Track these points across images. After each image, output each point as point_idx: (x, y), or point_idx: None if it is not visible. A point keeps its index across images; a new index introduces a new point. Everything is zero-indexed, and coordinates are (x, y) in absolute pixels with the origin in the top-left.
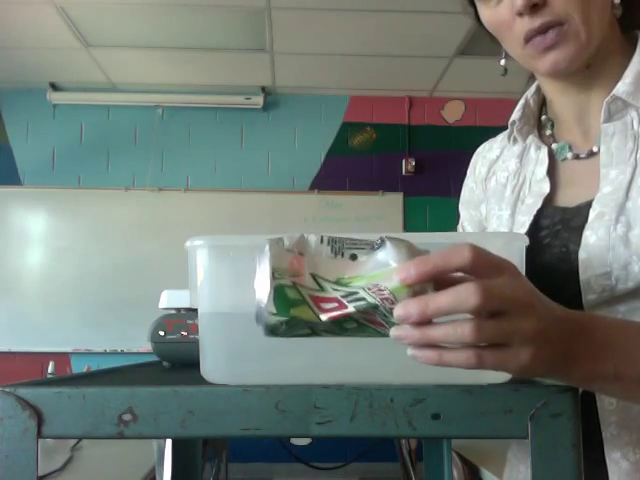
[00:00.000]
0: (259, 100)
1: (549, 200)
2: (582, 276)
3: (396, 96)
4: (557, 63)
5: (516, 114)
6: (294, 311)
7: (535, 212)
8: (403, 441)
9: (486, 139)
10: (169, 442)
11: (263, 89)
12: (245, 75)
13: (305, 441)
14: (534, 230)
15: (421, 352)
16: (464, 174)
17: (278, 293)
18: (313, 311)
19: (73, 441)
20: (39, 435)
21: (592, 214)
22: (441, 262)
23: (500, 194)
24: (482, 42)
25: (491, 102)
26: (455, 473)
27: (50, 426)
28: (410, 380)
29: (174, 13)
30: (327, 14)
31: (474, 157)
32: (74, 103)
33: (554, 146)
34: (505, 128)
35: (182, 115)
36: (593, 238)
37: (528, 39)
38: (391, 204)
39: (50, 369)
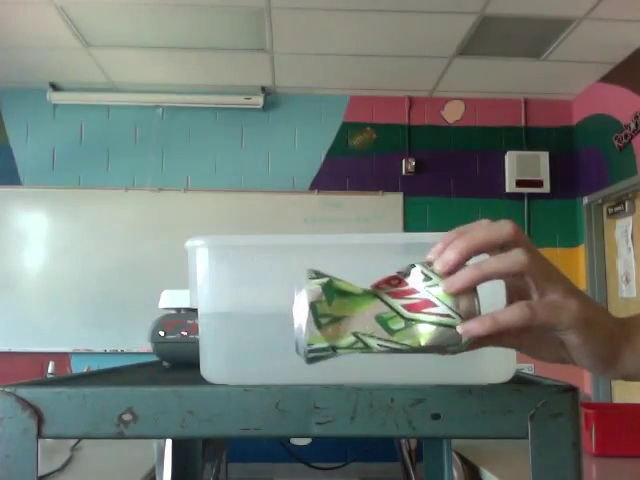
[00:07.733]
0: (259, 100)
1: None
2: None
3: (396, 96)
4: None
5: None
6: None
7: None
8: (403, 441)
9: (486, 139)
10: (169, 442)
11: (263, 89)
12: (245, 75)
13: (305, 441)
14: None
15: (477, 323)
16: (464, 174)
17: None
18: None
19: (73, 441)
20: (39, 435)
21: None
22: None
23: None
24: (482, 42)
25: (491, 102)
26: (455, 473)
27: (50, 426)
28: (410, 380)
29: (174, 13)
30: (327, 14)
31: None
32: (74, 103)
33: None
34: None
35: (182, 115)
36: None
37: None
38: (391, 204)
39: (50, 369)
